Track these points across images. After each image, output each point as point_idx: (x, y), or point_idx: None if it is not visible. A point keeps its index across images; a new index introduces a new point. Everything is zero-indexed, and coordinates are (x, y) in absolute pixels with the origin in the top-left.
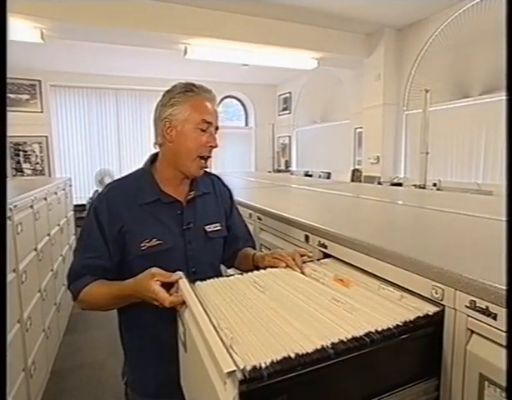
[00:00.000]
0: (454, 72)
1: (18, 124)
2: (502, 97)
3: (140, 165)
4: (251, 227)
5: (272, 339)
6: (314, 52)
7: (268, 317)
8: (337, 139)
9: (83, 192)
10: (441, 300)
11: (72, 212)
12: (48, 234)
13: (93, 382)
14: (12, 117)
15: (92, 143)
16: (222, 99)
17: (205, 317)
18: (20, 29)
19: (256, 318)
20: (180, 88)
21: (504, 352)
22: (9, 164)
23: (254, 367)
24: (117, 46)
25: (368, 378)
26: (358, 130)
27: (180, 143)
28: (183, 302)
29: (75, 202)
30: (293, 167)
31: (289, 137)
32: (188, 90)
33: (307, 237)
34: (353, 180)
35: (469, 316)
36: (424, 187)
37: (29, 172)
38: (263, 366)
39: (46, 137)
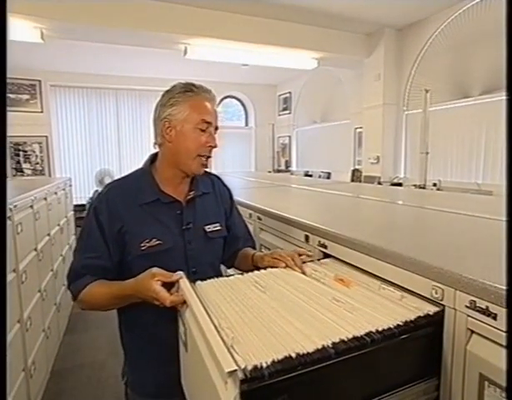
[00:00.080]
0: (454, 72)
1: (18, 124)
2: (502, 97)
3: (140, 165)
4: (251, 227)
5: (273, 339)
6: (314, 52)
7: (269, 316)
8: (337, 139)
9: (83, 192)
10: (441, 300)
11: (72, 212)
12: (48, 234)
13: (93, 382)
14: (12, 117)
15: (92, 143)
16: (222, 99)
17: (206, 316)
18: (20, 29)
19: (257, 318)
20: (180, 88)
21: (504, 352)
22: (9, 164)
23: (255, 367)
24: (117, 46)
25: (368, 378)
26: (358, 130)
27: (179, 143)
28: (184, 302)
29: (75, 202)
30: (293, 167)
31: (289, 137)
32: (188, 90)
33: (307, 237)
34: (353, 180)
35: (469, 316)
36: (424, 187)
37: (29, 172)
38: (264, 365)
39: (46, 137)
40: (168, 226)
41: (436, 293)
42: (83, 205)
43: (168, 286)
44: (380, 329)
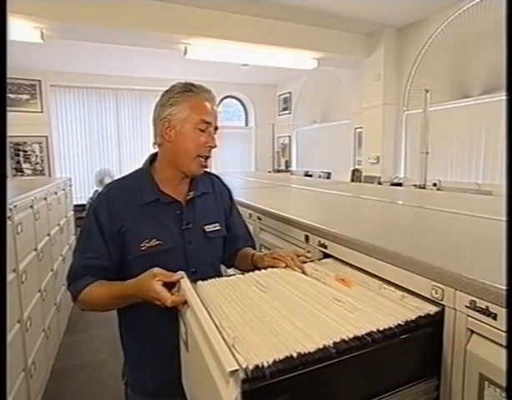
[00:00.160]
0: (454, 72)
1: (18, 124)
2: (502, 97)
3: (140, 165)
4: (251, 227)
5: (274, 338)
6: (314, 52)
7: (270, 316)
8: (337, 139)
9: (83, 192)
10: (441, 300)
11: (72, 212)
12: (48, 234)
13: (93, 382)
14: (12, 117)
15: (92, 143)
16: (222, 99)
17: (207, 316)
18: (20, 29)
19: (258, 318)
20: (179, 88)
21: (504, 352)
22: (9, 164)
23: (257, 366)
24: (117, 46)
25: (368, 378)
26: (358, 130)
27: (179, 143)
28: (185, 302)
29: (75, 202)
30: (293, 167)
31: (289, 137)
32: (188, 90)
33: (307, 237)
34: (353, 180)
35: (469, 316)
36: (424, 187)
37: (29, 172)
38: (266, 365)
39: (46, 137)
40: (168, 226)
41: (436, 293)
42: (83, 205)
43: (169, 286)
44: (381, 329)
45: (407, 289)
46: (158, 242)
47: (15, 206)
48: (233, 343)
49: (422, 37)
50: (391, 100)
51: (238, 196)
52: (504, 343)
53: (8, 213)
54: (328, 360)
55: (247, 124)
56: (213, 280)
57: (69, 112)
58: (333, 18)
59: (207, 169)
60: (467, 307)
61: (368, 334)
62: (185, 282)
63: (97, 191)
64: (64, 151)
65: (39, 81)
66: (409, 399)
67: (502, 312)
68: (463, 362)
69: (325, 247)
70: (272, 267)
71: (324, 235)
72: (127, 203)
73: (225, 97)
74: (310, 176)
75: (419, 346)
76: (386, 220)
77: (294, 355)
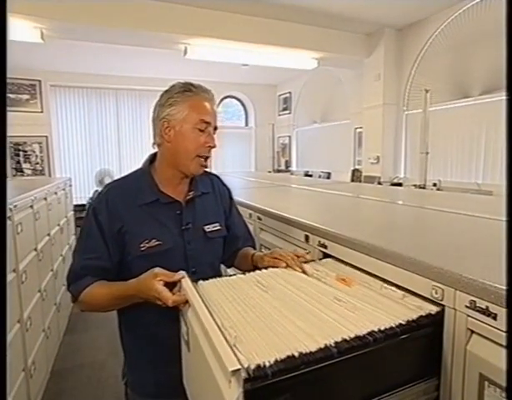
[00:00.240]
0: (454, 72)
1: (18, 124)
2: (502, 97)
3: (140, 165)
4: (251, 227)
5: (275, 338)
6: (314, 52)
7: (272, 316)
8: (337, 139)
9: (83, 192)
10: (441, 300)
11: (72, 212)
12: (48, 234)
13: (93, 382)
14: (12, 117)
15: (92, 143)
16: (222, 99)
17: (209, 316)
18: (20, 29)
19: (259, 318)
20: (178, 88)
21: (504, 352)
22: (9, 164)
23: (258, 366)
24: (117, 46)
25: (369, 378)
26: (358, 130)
27: (178, 143)
28: (186, 302)
29: (75, 202)
30: (293, 167)
31: (289, 137)
32: (187, 90)
33: (307, 237)
34: (353, 180)
35: (469, 316)
36: (424, 187)
37: (29, 172)
38: (267, 364)
39: (46, 137)
40: (168, 226)
41: (436, 293)
42: (83, 205)
43: (170, 286)
44: (382, 328)
45: (407, 289)
46: (157, 243)
47: (15, 206)
48: (234, 343)
49: (422, 37)
50: (391, 100)
51: (238, 196)
52: (504, 343)
53: (8, 213)
54: (329, 359)
55: (247, 124)
56: (213, 280)
57: (69, 112)
58: (333, 18)
59: (207, 169)
60: (467, 307)
61: (369, 334)
62: (186, 282)
63: (97, 191)
64: (64, 151)
65: (39, 81)
66: (409, 399)
67: (502, 312)
68: (463, 362)
69: (325, 247)
70: (272, 267)
71: (324, 235)
72: (127, 203)
73: (225, 97)
74: (310, 176)
75: (419, 346)
76: (386, 220)
77: (296, 354)
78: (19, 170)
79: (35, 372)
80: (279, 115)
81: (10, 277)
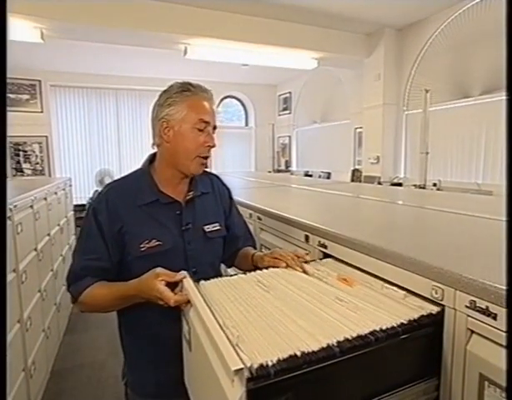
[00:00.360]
0: (454, 72)
1: (18, 124)
2: (502, 97)
3: (140, 165)
4: (251, 227)
5: (277, 338)
6: (314, 52)
7: (273, 315)
8: (337, 139)
9: (83, 192)
10: (441, 300)
11: (72, 212)
12: (48, 234)
13: (93, 382)
14: (12, 117)
15: (92, 143)
16: (222, 99)
17: (211, 315)
18: (20, 29)
19: (261, 317)
20: (177, 88)
21: (504, 352)
22: (9, 164)
23: (261, 365)
24: (117, 46)
25: (370, 378)
26: (358, 130)
27: (178, 143)
28: (188, 302)
29: (75, 202)
30: (293, 167)
31: (289, 137)
32: (185, 89)
33: (307, 237)
34: (353, 180)
35: (469, 316)
36: (424, 187)
37: (29, 172)
38: (270, 364)
39: (46, 137)
40: (168, 226)
41: (436, 293)
42: (83, 205)
43: (172, 285)
44: (384, 328)
45: (407, 289)
46: (157, 243)
47: (15, 206)
48: (237, 342)
49: (422, 37)
50: (391, 100)
51: (238, 196)
52: (504, 343)
53: (8, 213)
54: (331, 359)
55: (247, 124)
56: (215, 280)
57: (69, 112)
58: (333, 18)
59: (206, 169)
60: (467, 307)
61: (371, 333)
62: (188, 282)
63: (97, 191)
64: (64, 151)
65: (39, 81)
66: (409, 399)
67: (502, 312)
68: (463, 362)
69: (325, 247)
70: (272, 266)
71: (324, 235)
72: (126, 204)
73: (225, 97)
74: (310, 176)
75: (419, 346)
76: (386, 220)
77: (298, 354)
78: (19, 170)
79: (35, 372)
80: (279, 115)
81: (10, 277)
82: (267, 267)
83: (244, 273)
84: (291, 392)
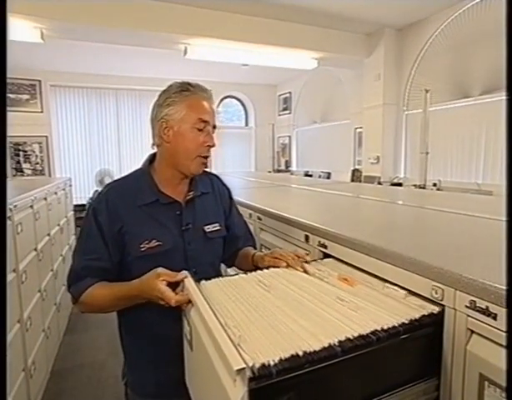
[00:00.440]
0: (454, 72)
1: (18, 124)
2: (502, 97)
3: (140, 165)
4: (251, 227)
5: (279, 337)
6: (314, 52)
7: (275, 315)
8: (337, 139)
9: (83, 192)
10: (441, 300)
11: (72, 212)
12: (48, 234)
13: (93, 382)
14: (12, 117)
15: (92, 143)
16: (222, 99)
17: (212, 315)
18: (20, 29)
19: (262, 317)
20: (176, 88)
21: (504, 352)
22: (9, 164)
23: (263, 365)
24: (117, 46)
25: (370, 377)
26: (358, 130)
27: (178, 143)
28: (189, 301)
29: (75, 202)
30: (293, 167)
31: (289, 137)
32: (184, 89)
33: (307, 237)
34: (353, 180)
35: (469, 316)
36: (424, 187)
37: (29, 172)
38: (272, 363)
39: (46, 137)
40: (168, 227)
41: (436, 293)
42: (83, 205)
43: (173, 285)
44: (385, 328)
45: (407, 289)
46: (157, 243)
47: (15, 206)
48: (238, 342)
49: (422, 37)
50: (391, 100)
51: (238, 196)
52: (504, 343)
53: (8, 213)
54: (333, 358)
55: (247, 124)
56: (216, 280)
57: (69, 112)
58: (333, 18)
59: (206, 169)
60: (467, 307)
61: (372, 333)
62: (189, 282)
63: (97, 191)
64: (64, 151)
65: (39, 81)
66: (408, 399)
67: (502, 312)
68: (463, 362)
69: (325, 247)
70: (273, 266)
71: (324, 235)
72: (126, 204)
73: (225, 97)
74: (310, 176)
75: (419, 346)
76: (386, 220)
77: (300, 353)
78: (19, 170)
79: (35, 372)
80: (279, 115)
81: (10, 277)
82: (267, 267)
83: (245, 273)
84: (293, 391)
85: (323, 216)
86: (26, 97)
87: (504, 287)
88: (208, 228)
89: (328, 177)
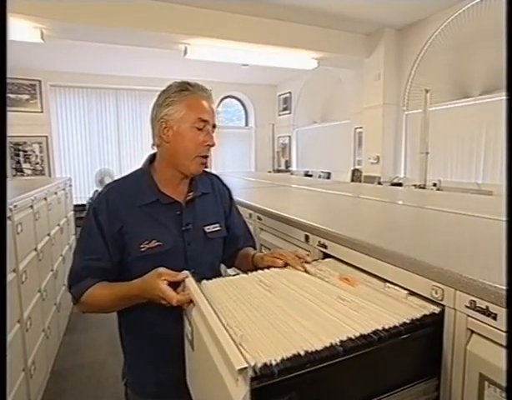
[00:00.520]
0: (454, 72)
1: (18, 124)
2: (502, 97)
3: (140, 165)
4: (251, 227)
5: (281, 337)
6: (314, 52)
7: (276, 315)
8: (337, 139)
9: (83, 192)
10: (441, 300)
11: (72, 212)
12: (48, 234)
13: (93, 382)
14: (12, 117)
15: (92, 143)
16: (222, 99)
17: (214, 315)
18: (20, 29)
19: (264, 317)
20: (175, 88)
21: (504, 352)
22: (9, 164)
23: (265, 364)
24: (117, 46)
25: (371, 377)
26: (358, 130)
27: (177, 143)
28: (190, 301)
29: (75, 202)
30: (293, 167)
31: (289, 137)
32: (184, 89)
33: (307, 237)
34: (353, 180)
35: (469, 316)
36: (424, 187)
37: (29, 172)
38: (274, 363)
39: (46, 137)
40: (168, 227)
41: (436, 293)
42: (83, 205)
43: (174, 285)
44: (387, 327)
45: (407, 289)
46: (158, 243)
47: (15, 206)
48: (240, 342)
49: (422, 37)
50: (391, 100)
51: (238, 196)
52: (504, 343)
53: (8, 213)
54: (335, 358)
55: (247, 124)
56: (217, 279)
57: (69, 112)
58: (333, 18)
59: (206, 169)
60: (467, 307)
61: (374, 332)
62: (190, 282)
63: (97, 191)
64: (64, 151)
65: (39, 81)
66: (408, 399)
67: (502, 312)
68: (463, 362)
69: (325, 247)
70: (271, 266)
71: (324, 235)
72: (126, 204)
73: (225, 97)
74: (310, 176)
75: (419, 345)
76: (386, 220)
77: (302, 353)
78: (19, 170)
79: (35, 372)
80: (279, 115)
81: (10, 277)
82: (268, 267)
83: (246, 273)
84: (295, 391)
85: (323, 216)
86: (26, 97)
87: (504, 287)
88: (209, 229)
89: (328, 177)
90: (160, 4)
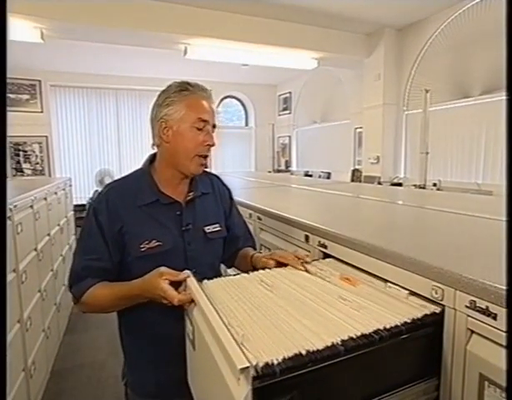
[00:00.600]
0: (454, 72)
1: (18, 124)
2: (502, 97)
3: (140, 165)
4: (251, 227)
5: (282, 336)
6: (314, 52)
7: (277, 314)
8: (337, 139)
9: (83, 192)
10: (441, 300)
11: (72, 212)
12: (48, 234)
13: (93, 382)
14: (12, 117)
15: (92, 143)
16: (222, 99)
17: (215, 314)
18: (20, 29)
19: (265, 316)
20: (175, 88)
21: (504, 352)
22: (9, 164)
23: (267, 364)
24: (117, 46)
25: (371, 377)
26: (358, 130)
27: (177, 143)
28: (192, 301)
29: (75, 202)
30: (293, 167)
31: (289, 137)
32: (183, 89)
33: (307, 237)
34: (353, 180)
35: (469, 316)
36: (424, 187)
37: (29, 172)
38: (275, 362)
39: (46, 137)
40: (168, 227)
41: (436, 293)
42: (83, 205)
43: (176, 285)
44: (388, 327)
45: (407, 289)
46: (158, 243)
47: (15, 206)
48: (242, 341)
49: (422, 37)
50: (391, 100)
51: (238, 196)
52: (504, 343)
53: (8, 213)
54: (336, 357)
55: (247, 124)
56: (218, 279)
57: (69, 112)
58: (333, 18)
59: (206, 169)
60: (467, 307)
61: (375, 332)
62: (191, 281)
63: (97, 191)
64: (64, 151)
65: (39, 81)
66: (409, 399)
67: (502, 312)
68: (463, 362)
69: (325, 247)
70: (265, 268)
71: (324, 235)
72: (127, 204)
73: (225, 97)
74: (310, 176)
75: (419, 345)
76: (386, 220)
77: (303, 352)
78: (19, 170)
79: (35, 372)
80: (279, 115)
81: (10, 277)
82: (264, 268)
83: (247, 273)
84: (296, 390)
85: (323, 216)
86: (26, 97)
87: (504, 287)
88: (209, 229)
89: (328, 177)
90: (160, 4)
